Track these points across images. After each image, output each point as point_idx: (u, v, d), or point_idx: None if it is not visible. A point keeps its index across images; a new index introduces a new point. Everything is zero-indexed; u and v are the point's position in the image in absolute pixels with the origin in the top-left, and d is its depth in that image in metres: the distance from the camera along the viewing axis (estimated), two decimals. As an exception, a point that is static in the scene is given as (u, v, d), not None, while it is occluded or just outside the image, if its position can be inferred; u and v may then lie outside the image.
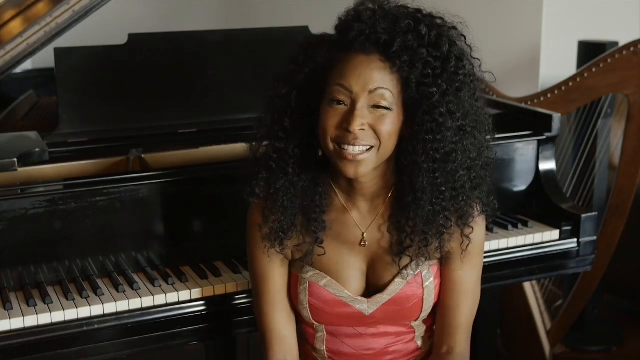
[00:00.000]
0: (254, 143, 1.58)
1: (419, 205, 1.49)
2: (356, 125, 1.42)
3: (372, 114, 1.44)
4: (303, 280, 1.58)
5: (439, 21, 1.49)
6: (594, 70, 2.60)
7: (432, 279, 1.58)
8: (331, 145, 1.46)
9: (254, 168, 1.56)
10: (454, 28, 1.50)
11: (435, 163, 1.46)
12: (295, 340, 1.64)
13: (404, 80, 1.44)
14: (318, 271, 1.57)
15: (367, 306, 1.57)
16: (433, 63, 1.44)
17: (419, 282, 1.56)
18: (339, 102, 1.44)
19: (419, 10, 1.49)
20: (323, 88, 1.48)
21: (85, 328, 1.68)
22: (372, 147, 1.45)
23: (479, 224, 1.58)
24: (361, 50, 1.44)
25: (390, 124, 1.44)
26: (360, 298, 1.57)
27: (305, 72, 1.50)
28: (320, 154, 1.52)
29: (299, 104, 1.51)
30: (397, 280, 1.56)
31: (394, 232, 1.56)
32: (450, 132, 1.46)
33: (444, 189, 1.48)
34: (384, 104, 1.43)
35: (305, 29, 2.30)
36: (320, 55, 1.48)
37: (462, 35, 1.51)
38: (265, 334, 1.62)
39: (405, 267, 1.56)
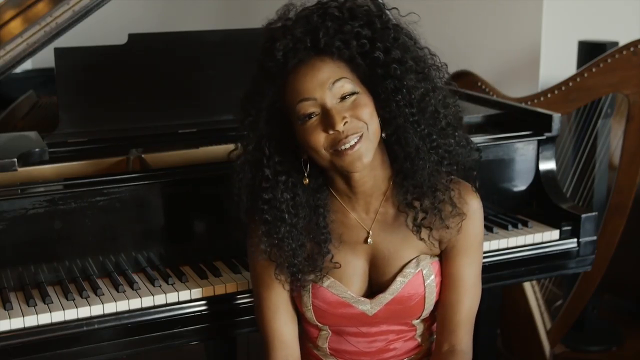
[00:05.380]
0: (240, 202, 1.56)
1: (419, 166, 1.51)
2: (339, 123, 1.43)
3: (344, 105, 1.45)
4: (306, 282, 1.57)
5: None
6: (594, 70, 2.60)
7: (432, 276, 1.58)
8: (327, 155, 1.47)
9: (250, 225, 1.57)
10: None
11: (415, 116, 1.49)
12: (297, 343, 1.64)
13: (348, 61, 1.47)
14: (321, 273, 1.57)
15: (370, 307, 1.57)
16: (362, 32, 1.46)
17: (420, 280, 1.57)
18: (310, 116, 1.45)
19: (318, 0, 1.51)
20: (288, 117, 1.49)
21: (85, 328, 1.68)
22: (362, 134, 1.45)
23: (476, 211, 1.58)
24: (298, 63, 1.46)
25: (365, 105, 1.46)
26: (363, 299, 1.57)
27: (263, 116, 1.51)
28: (306, 182, 1.53)
29: (272, 149, 1.52)
30: (399, 279, 1.56)
31: (404, 209, 1.56)
32: (412, 80, 1.48)
33: (435, 136, 1.52)
34: (347, 90, 1.45)
35: (305, 29, 2.29)
36: (267, 90, 1.50)
37: None
38: (266, 338, 1.62)
39: (406, 265, 1.56)
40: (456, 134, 1.56)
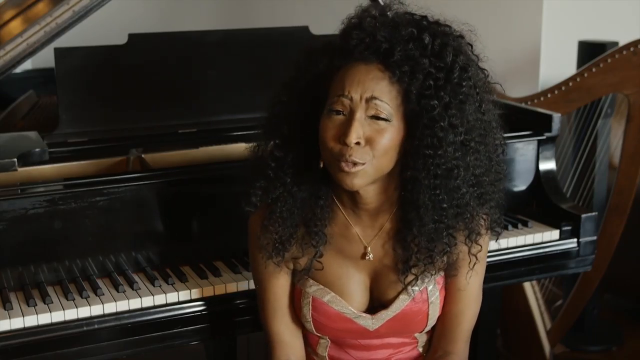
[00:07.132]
0: (254, 151, 1.55)
1: (422, 222, 1.44)
2: (353, 137, 1.36)
3: (371, 126, 1.39)
4: (306, 294, 1.55)
5: (445, 29, 1.43)
6: (594, 70, 2.60)
7: (437, 293, 1.55)
8: (329, 157, 1.41)
9: (253, 177, 1.53)
10: (461, 37, 1.45)
11: (437, 179, 1.40)
12: (301, 343, 1.63)
13: (404, 91, 1.39)
14: (322, 286, 1.54)
15: (371, 322, 1.54)
16: (435, 74, 1.38)
17: (424, 298, 1.53)
18: (338, 112, 1.40)
19: (424, 17, 1.43)
20: (323, 98, 1.44)
21: (85, 328, 1.68)
22: (364, 164, 1.39)
23: (483, 235, 1.54)
24: (361, 59, 1.39)
25: (388, 139, 1.39)
26: (364, 315, 1.54)
27: (306, 80, 1.47)
28: (322, 165, 1.46)
29: (299, 112, 1.47)
30: (402, 297, 1.53)
31: (399, 249, 1.51)
32: (452, 147, 1.40)
33: (445, 205, 1.42)
34: (382, 115, 1.38)
35: (305, 29, 2.30)
36: (321, 63, 1.45)
37: (470, 44, 1.46)
38: (269, 338, 1.61)
39: (411, 283, 1.52)
40: (468, 215, 1.46)
